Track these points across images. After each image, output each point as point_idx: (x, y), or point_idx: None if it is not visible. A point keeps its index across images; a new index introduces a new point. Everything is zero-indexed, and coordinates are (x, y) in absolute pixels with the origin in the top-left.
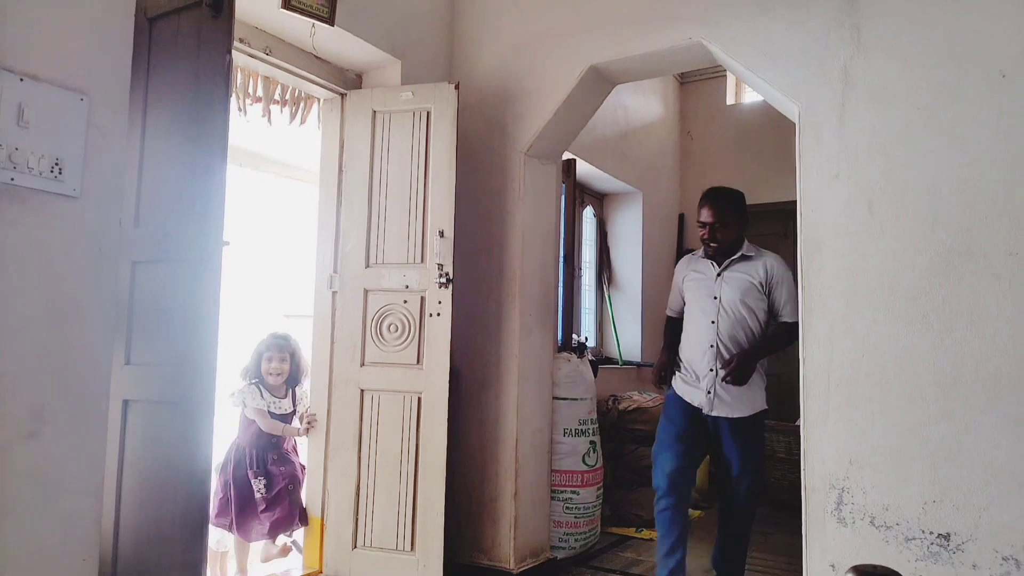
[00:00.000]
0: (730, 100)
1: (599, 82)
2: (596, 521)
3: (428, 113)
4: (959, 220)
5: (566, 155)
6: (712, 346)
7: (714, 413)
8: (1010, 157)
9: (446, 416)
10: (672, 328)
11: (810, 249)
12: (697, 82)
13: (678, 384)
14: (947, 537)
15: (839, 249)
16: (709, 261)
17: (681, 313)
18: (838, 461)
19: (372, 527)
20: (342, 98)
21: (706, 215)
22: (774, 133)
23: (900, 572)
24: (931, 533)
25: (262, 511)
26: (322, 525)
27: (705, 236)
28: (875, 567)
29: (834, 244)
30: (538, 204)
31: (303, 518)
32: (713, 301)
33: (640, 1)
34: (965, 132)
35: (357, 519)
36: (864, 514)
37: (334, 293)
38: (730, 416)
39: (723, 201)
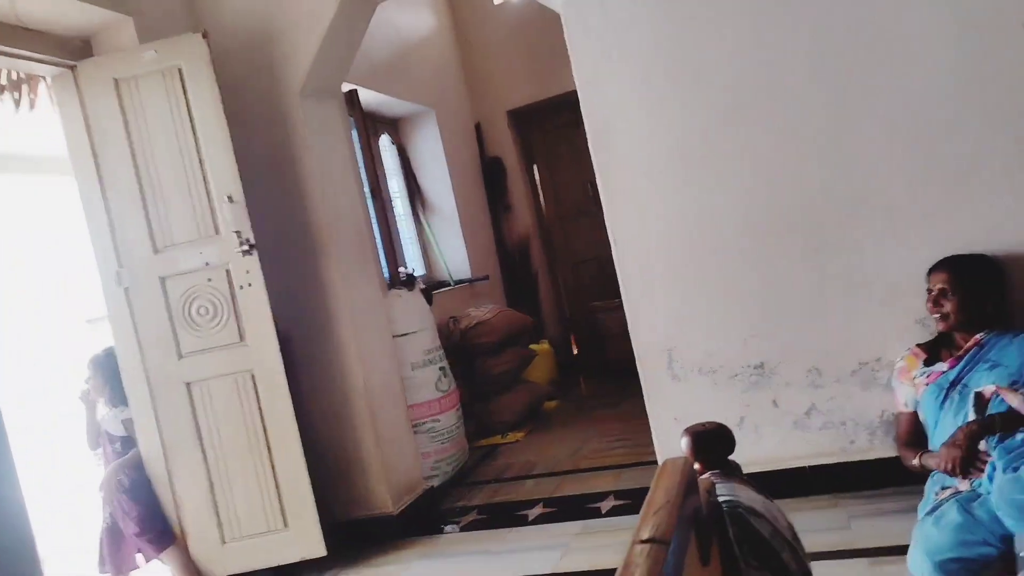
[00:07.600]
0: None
1: (360, 2)
2: (463, 440)
3: (180, 70)
4: (724, 78)
5: (346, 86)
6: None
7: None
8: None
9: (285, 386)
10: None
11: (598, 132)
12: None
13: None
14: (762, 366)
15: (626, 127)
16: None
17: None
18: (666, 325)
19: (238, 518)
20: (72, 71)
21: None
22: (548, 26)
23: (728, 414)
24: (749, 366)
25: (135, 534)
26: (183, 534)
27: None
28: (704, 425)
29: (620, 123)
30: (327, 144)
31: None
32: None
33: None
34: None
35: (219, 515)
36: (692, 365)
37: (126, 290)
38: None
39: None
